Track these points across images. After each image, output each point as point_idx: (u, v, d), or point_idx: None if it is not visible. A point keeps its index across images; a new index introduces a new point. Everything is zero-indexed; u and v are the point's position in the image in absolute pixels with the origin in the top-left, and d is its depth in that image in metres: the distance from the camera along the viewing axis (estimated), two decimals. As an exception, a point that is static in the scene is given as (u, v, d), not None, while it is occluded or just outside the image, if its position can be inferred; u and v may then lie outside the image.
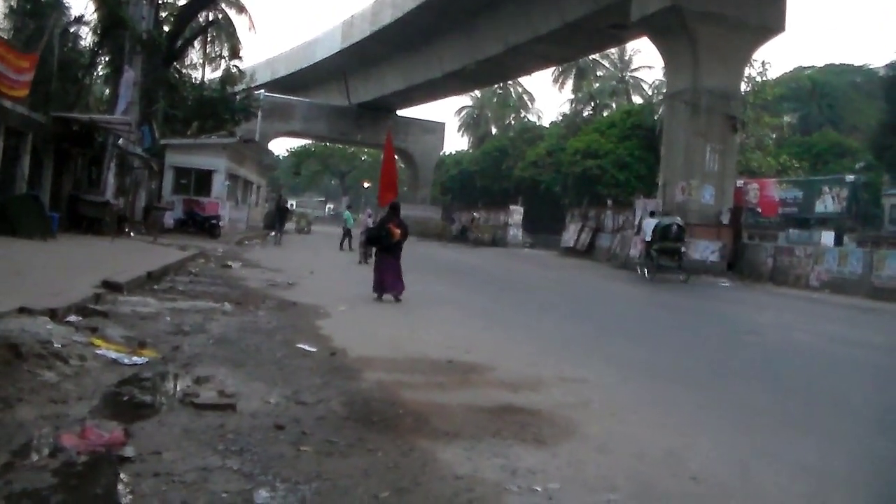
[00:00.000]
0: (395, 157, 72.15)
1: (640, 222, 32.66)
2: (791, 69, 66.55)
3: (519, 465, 5.24)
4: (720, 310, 19.21)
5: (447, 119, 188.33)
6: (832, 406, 8.28)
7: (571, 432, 6.25)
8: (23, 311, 8.07)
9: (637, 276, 28.95)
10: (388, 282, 15.01)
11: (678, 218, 29.74)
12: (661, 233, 28.59)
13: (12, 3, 26.06)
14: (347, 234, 33.70)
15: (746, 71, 40.73)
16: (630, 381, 8.69)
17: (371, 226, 21.58)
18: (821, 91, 58.87)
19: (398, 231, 15.24)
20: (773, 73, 57.63)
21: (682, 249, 28.48)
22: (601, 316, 16.07)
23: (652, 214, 31.83)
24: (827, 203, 33.94)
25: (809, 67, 64.80)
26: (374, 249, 16.63)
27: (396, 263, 15.16)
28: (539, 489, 4.82)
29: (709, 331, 14.80)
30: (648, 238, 29.03)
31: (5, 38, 23.63)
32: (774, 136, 51.39)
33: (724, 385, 8.94)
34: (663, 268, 28.39)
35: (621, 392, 8.02)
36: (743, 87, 40.01)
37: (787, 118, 56.44)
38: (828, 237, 30.37)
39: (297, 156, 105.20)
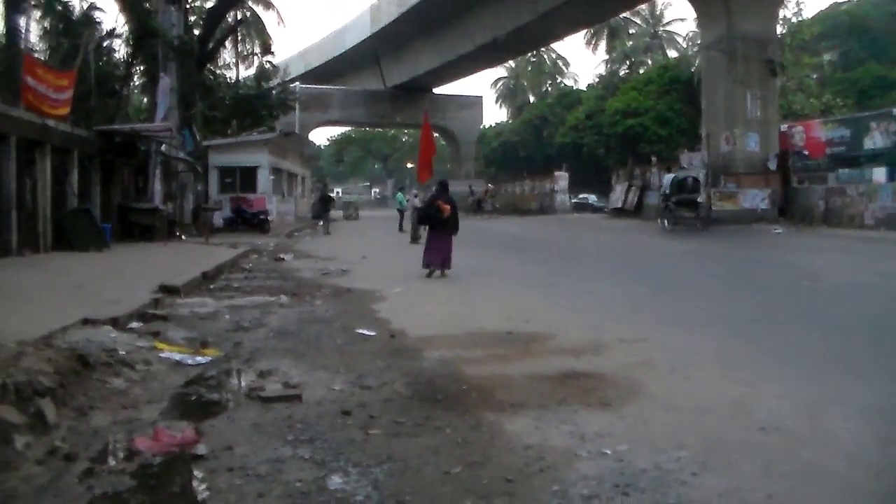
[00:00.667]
0: (436, 135, 71.96)
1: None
2: (827, 6, 65.14)
3: (587, 430, 5.25)
4: (775, 257, 19.01)
5: (484, 92, 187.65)
6: (899, 343, 8.16)
7: (636, 393, 6.25)
8: (86, 322, 8.22)
9: (660, 228, 29.57)
10: (437, 258, 15.25)
11: (693, 172, 31.96)
12: (678, 186, 31.13)
13: (46, 25, 26.40)
14: (402, 215, 34.09)
15: (781, 13, 40.05)
16: (690, 337, 8.64)
17: (419, 205, 21.75)
18: (860, 25, 57.48)
19: (447, 207, 15.42)
20: (809, 12, 56.66)
21: (699, 200, 30.65)
22: (657, 274, 15.96)
23: (669, 170, 34.54)
24: (876, 139, 33.16)
25: (846, 2, 63.26)
26: (424, 228, 16.77)
27: (448, 240, 15.37)
28: (608, 452, 4.83)
29: (765, 279, 14.65)
30: (667, 192, 31.31)
31: (43, 59, 23.97)
32: (816, 76, 50.49)
33: (785, 332, 8.85)
34: (682, 218, 30.59)
35: (682, 348, 7.98)
36: (779, 29, 39.35)
37: (827, 56, 55.38)
38: (879, 174, 29.69)
39: (339, 144, 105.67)
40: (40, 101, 18.35)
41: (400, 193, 37.97)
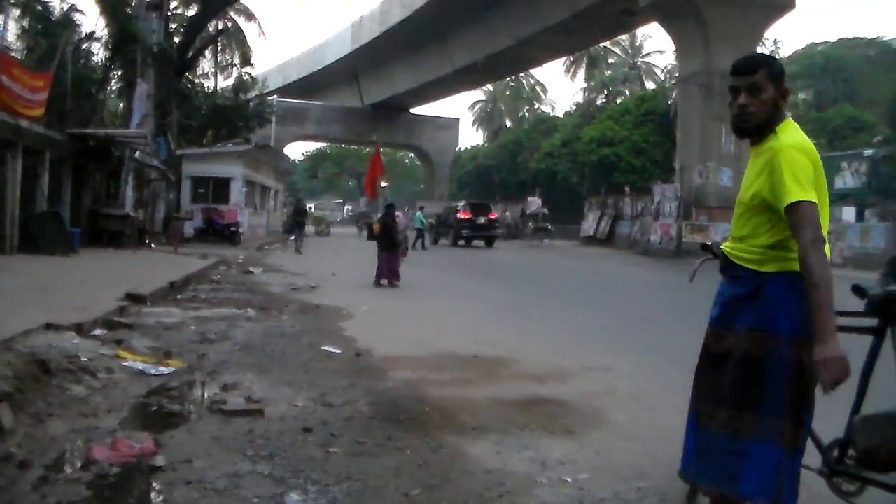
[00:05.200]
0: (411, 154, 71.61)
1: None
2: (803, 46, 66.08)
3: (548, 457, 5.26)
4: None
5: (461, 114, 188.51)
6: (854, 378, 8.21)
7: (599, 421, 6.26)
8: (49, 326, 8.13)
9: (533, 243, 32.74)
10: (382, 271, 17.53)
11: (545, 209, 49.70)
12: (533, 218, 48.54)
13: (24, 24, 26.22)
14: (420, 234, 35.97)
15: (759, 50, 40.49)
16: (654, 367, 8.67)
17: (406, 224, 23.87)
18: (835, 66, 58.21)
19: (376, 226, 18.63)
20: (786, 51, 57.43)
21: (548, 227, 46.44)
22: (624, 303, 16.01)
23: (527, 214, 51.20)
24: (846, 179, 33.62)
25: (822, 43, 63.97)
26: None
27: (391, 257, 17.63)
28: (569, 480, 4.84)
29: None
30: (531, 223, 47.09)
31: (19, 58, 23.79)
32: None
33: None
34: (536, 237, 45.30)
35: (646, 378, 8.01)
36: (756, 66, 39.78)
37: (801, 95, 56.01)
38: (849, 213, 30.16)
39: (314, 159, 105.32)
40: (14, 100, 18.21)
41: (419, 213, 39.19)
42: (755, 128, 3.39)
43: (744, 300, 3.35)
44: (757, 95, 3.34)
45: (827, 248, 3.25)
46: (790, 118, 3.44)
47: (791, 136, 3.29)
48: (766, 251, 3.28)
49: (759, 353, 3.23)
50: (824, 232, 3.21)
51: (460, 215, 40.22)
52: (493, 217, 41.34)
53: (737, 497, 3.27)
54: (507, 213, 56.84)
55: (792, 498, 3.24)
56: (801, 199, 3.10)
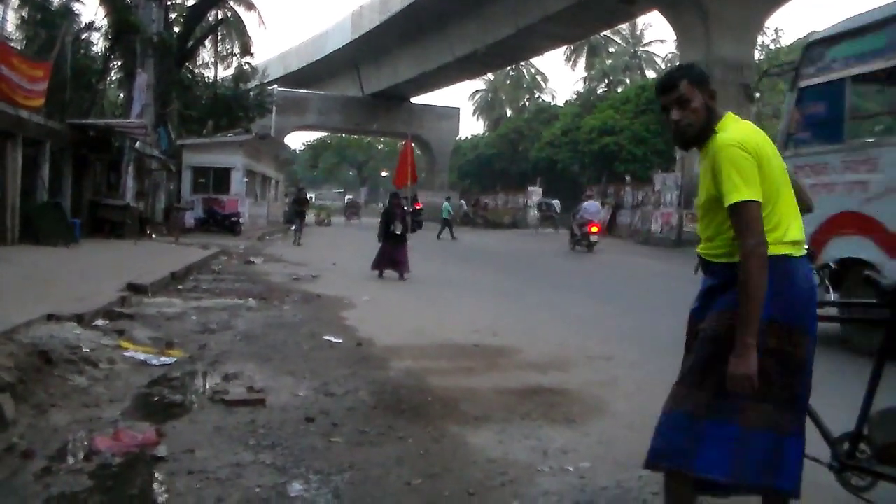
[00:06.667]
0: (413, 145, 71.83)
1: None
2: (804, 34, 65.92)
3: (550, 446, 5.26)
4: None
5: (461, 104, 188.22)
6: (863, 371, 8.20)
7: (601, 410, 6.27)
8: (50, 317, 8.13)
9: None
10: (380, 261, 16.95)
11: (548, 199, 53.03)
12: (538, 207, 52.66)
13: (24, 14, 26.17)
14: (447, 224, 37.53)
15: (760, 39, 40.43)
16: (656, 356, 8.65)
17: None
18: (836, 54, 58.16)
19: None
20: (787, 40, 57.17)
21: (553, 216, 49.75)
22: (624, 292, 15.99)
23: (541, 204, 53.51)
24: (847, 167, 33.56)
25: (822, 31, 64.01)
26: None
27: (397, 248, 16.87)
28: (571, 469, 4.84)
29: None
30: (537, 212, 52.05)
31: (18, 48, 23.74)
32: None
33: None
34: (543, 227, 48.76)
35: (648, 367, 8.00)
36: (757, 55, 39.70)
37: (803, 84, 55.91)
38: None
39: (314, 149, 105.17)
40: (14, 91, 18.15)
41: (447, 203, 39.89)
42: (695, 136, 3.47)
43: (719, 290, 3.40)
44: (686, 106, 3.42)
45: (800, 226, 3.34)
46: (729, 113, 3.50)
47: (730, 132, 3.33)
48: (733, 243, 3.28)
49: (724, 331, 3.24)
50: (794, 213, 3.32)
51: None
52: (418, 206, 45.78)
53: (692, 473, 3.31)
54: (462, 202, 59.61)
55: (780, 479, 3.29)
56: (741, 199, 3.15)
